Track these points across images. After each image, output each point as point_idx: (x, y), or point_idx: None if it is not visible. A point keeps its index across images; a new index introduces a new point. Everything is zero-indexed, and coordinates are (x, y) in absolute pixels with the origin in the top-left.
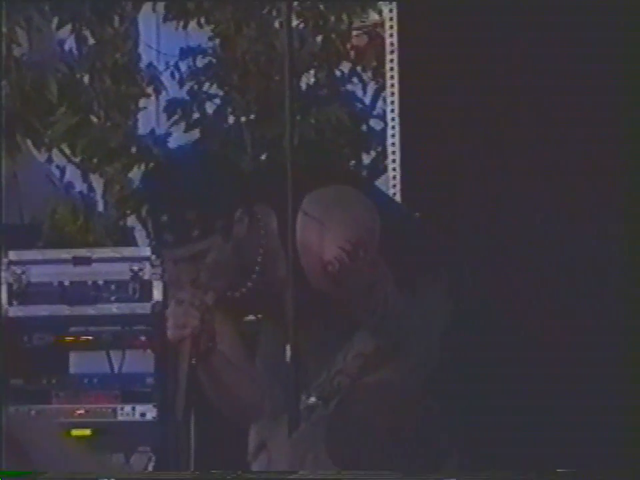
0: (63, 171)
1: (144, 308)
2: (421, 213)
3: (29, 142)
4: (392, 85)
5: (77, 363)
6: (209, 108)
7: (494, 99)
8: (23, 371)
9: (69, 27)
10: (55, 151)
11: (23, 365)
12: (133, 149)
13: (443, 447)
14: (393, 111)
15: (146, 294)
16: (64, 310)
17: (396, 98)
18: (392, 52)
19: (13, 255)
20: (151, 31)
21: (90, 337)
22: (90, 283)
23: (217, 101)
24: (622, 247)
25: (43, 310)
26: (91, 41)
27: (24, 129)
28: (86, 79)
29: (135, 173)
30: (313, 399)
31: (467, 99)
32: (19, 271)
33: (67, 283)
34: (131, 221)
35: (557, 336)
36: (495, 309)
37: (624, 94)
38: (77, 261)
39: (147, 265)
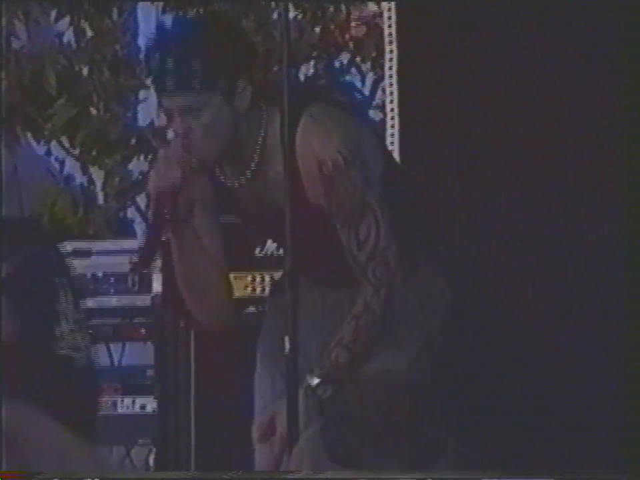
0: (62, 163)
1: (144, 300)
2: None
3: (28, 134)
4: (391, 76)
5: None
6: None
7: (493, 89)
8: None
9: (67, 18)
10: (54, 143)
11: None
12: (133, 141)
13: (439, 440)
14: (392, 101)
15: (145, 286)
16: None
17: (395, 89)
18: (390, 42)
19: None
20: (150, 22)
21: (90, 330)
22: (89, 275)
23: None
24: (622, 235)
25: None
26: (90, 33)
27: (23, 121)
28: (85, 70)
29: (135, 165)
30: (315, 380)
31: (466, 89)
32: None
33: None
34: (131, 212)
35: (558, 325)
36: (495, 296)
37: (624, 94)
38: (76, 253)
39: None
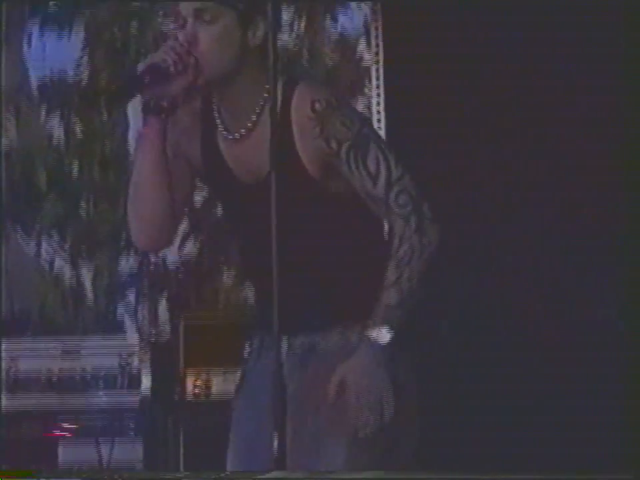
0: (52, 260)
1: (133, 398)
2: None
3: (18, 231)
4: None
5: (65, 452)
6: (197, 202)
7: (483, 161)
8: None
9: (57, 117)
10: (44, 240)
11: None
12: (122, 239)
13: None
14: None
15: (134, 384)
16: (53, 400)
17: None
18: None
19: (2, 345)
20: (139, 120)
21: (79, 427)
22: (79, 372)
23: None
24: (620, 249)
25: (32, 400)
26: (80, 130)
27: (14, 218)
28: (75, 168)
29: (124, 262)
30: (382, 330)
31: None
32: (8, 361)
33: (56, 373)
34: (120, 310)
35: (558, 325)
36: (496, 290)
37: (621, 94)
38: (65, 351)
39: (136, 355)
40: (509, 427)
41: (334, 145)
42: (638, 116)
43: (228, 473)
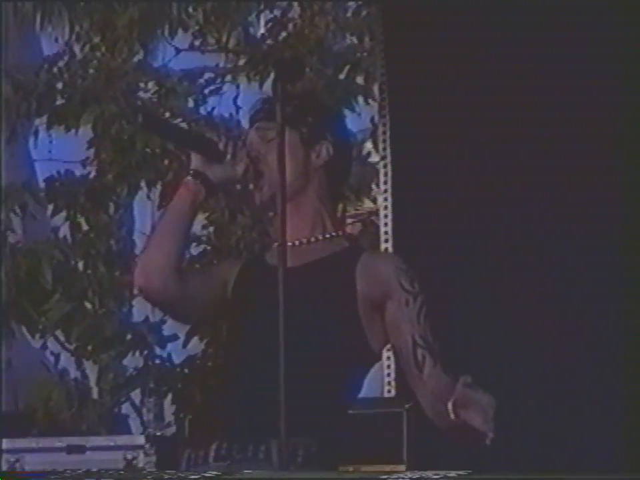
0: (57, 357)
1: None
2: None
3: (23, 329)
4: None
5: None
6: None
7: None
8: None
9: (63, 213)
10: (49, 338)
11: None
12: (128, 336)
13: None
14: None
15: None
16: None
17: None
18: (386, 241)
19: (6, 443)
20: (145, 217)
21: None
22: (83, 471)
23: None
24: (620, 250)
25: None
26: (85, 227)
27: (19, 315)
28: (80, 265)
29: (130, 360)
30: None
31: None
32: (12, 459)
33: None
34: (125, 408)
35: (558, 325)
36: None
37: (621, 93)
38: (70, 449)
39: (141, 454)
40: (508, 427)
41: None
42: (638, 116)
43: (228, 472)
